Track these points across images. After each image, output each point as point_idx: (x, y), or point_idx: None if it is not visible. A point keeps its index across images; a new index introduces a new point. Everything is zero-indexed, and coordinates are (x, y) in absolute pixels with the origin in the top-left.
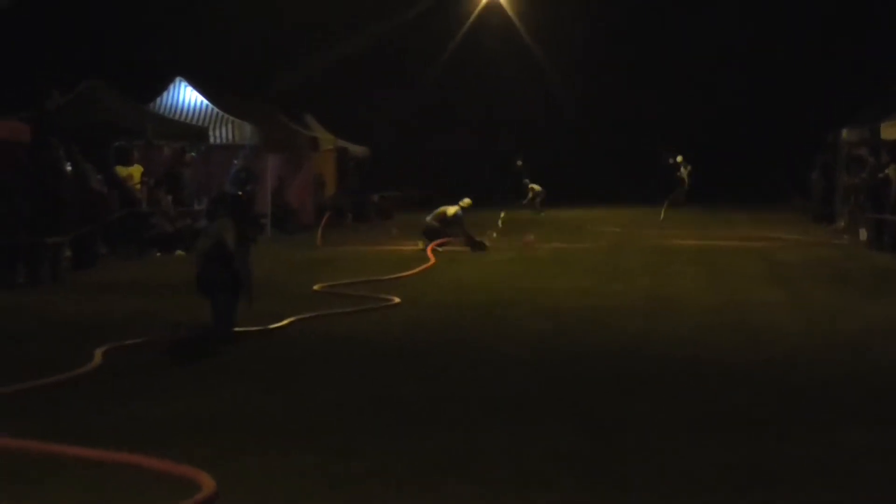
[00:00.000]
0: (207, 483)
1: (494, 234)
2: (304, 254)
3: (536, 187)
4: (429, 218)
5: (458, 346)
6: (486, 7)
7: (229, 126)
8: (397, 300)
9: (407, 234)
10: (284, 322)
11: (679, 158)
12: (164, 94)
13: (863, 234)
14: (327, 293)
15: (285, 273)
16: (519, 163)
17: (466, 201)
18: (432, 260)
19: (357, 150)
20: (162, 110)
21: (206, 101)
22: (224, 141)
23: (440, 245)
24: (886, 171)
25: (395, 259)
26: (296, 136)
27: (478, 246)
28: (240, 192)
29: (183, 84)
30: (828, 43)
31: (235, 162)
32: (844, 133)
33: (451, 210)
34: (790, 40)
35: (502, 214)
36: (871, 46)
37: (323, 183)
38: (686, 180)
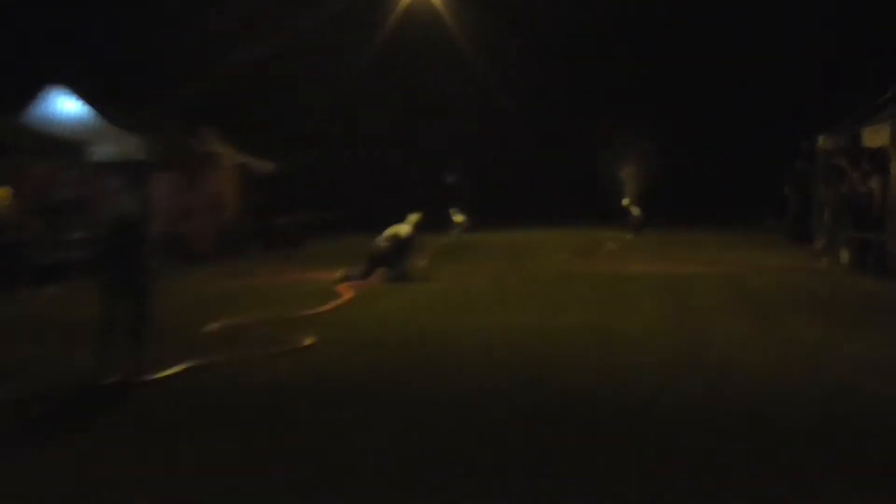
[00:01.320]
0: None
1: (422, 263)
2: (201, 287)
3: (460, 218)
4: (378, 241)
5: (379, 394)
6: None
7: (114, 140)
8: (310, 341)
9: (321, 261)
10: (173, 370)
11: (625, 202)
12: (37, 103)
13: (844, 256)
14: (225, 334)
15: (177, 310)
16: (450, 179)
17: (415, 217)
18: (349, 294)
19: (262, 166)
20: (34, 122)
21: (87, 112)
22: (108, 157)
23: (361, 278)
24: (869, 183)
25: (307, 292)
26: (193, 151)
27: (401, 275)
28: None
29: (60, 92)
30: (801, 42)
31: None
32: (821, 140)
33: (404, 230)
34: (757, 38)
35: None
36: (849, 45)
37: (223, 204)
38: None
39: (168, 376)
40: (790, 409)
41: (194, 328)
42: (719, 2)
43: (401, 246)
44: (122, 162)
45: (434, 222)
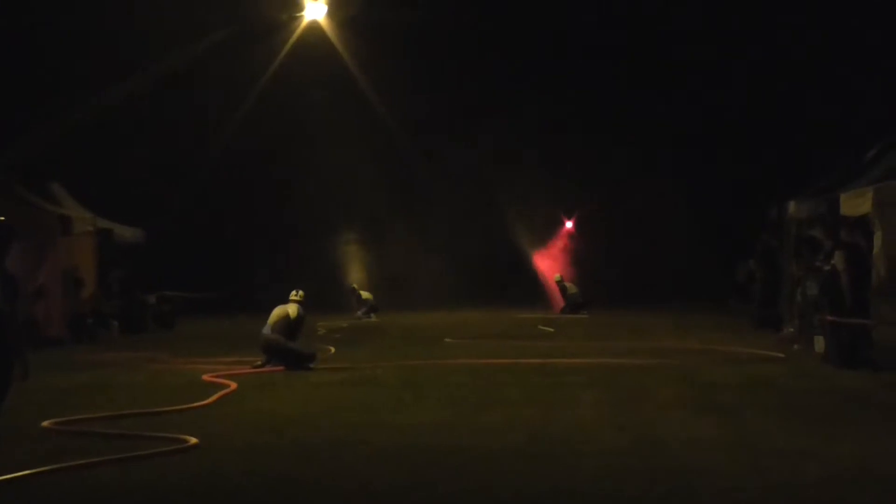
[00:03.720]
0: None
1: (332, 350)
2: (53, 379)
3: (367, 295)
4: (266, 329)
5: None
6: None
7: None
8: (193, 441)
9: (196, 346)
10: (18, 475)
11: (557, 278)
12: None
13: (818, 344)
14: (80, 433)
15: (25, 405)
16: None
17: (300, 294)
18: (231, 385)
19: (126, 232)
20: None
21: None
22: None
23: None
24: (833, 260)
25: (181, 384)
26: (38, 215)
27: (305, 359)
28: None
29: None
30: (768, 94)
31: None
32: (792, 207)
33: (293, 310)
34: (716, 85)
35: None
36: (823, 98)
37: (79, 279)
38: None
39: (18, 478)
40: None
41: (35, 426)
42: (675, 36)
43: (292, 328)
44: None
45: (329, 300)
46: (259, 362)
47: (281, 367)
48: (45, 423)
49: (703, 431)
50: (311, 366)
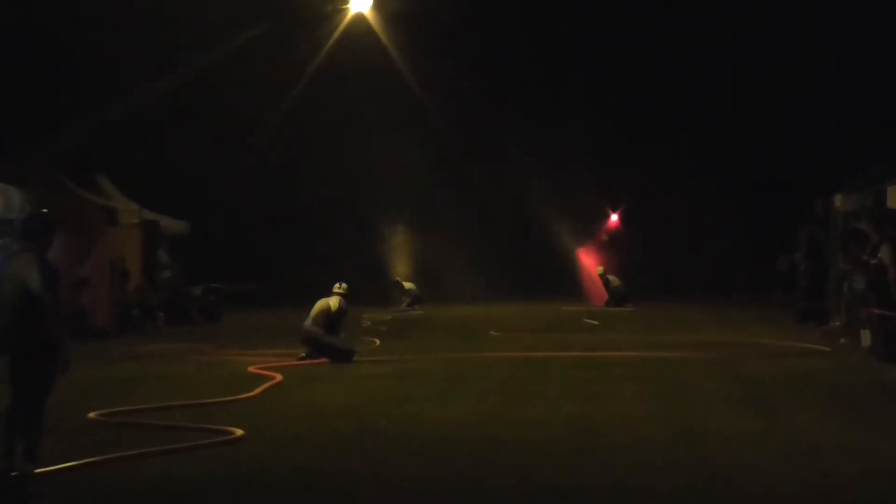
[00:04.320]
0: None
1: (376, 342)
2: (99, 370)
3: (410, 285)
4: (308, 322)
5: (314, 500)
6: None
7: None
8: (239, 433)
9: (241, 339)
10: (64, 465)
11: (600, 271)
12: None
13: (865, 338)
14: (126, 424)
15: (71, 397)
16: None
17: (343, 286)
18: (276, 377)
19: (172, 225)
20: None
21: None
22: None
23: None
24: (879, 254)
25: (226, 376)
26: (84, 206)
27: (344, 356)
28: None
29: None
30: (813, 84)
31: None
32: (838, 200)
33: (335, 303)
34: (759, 77)
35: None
36: (869, 89)
37: (125, 271)
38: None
39: (63, 470)
40: None
41: (81, 418)
42: (713, 35)
43: (333, 321)
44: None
45: (374, 294)
46: (302, 354)
47: (325, 360)
48: (90, 415)
49: (745, 426)
50: (353, 360)
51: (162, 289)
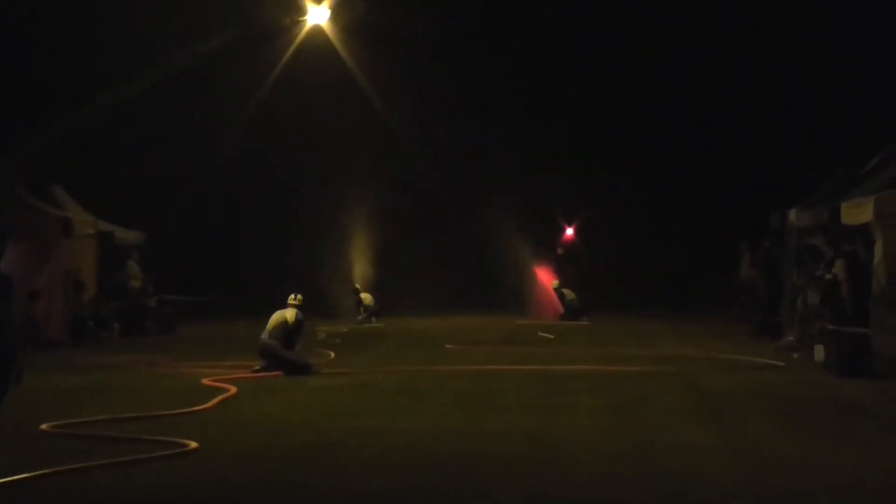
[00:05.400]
0: None
1: (331, 355)
2: (52, 380)
3: (367, 298)
4: (265, 335)
5: None
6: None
7: None
8: (193, 445)
9: (196, 350)
10: (16, 478)
11: (555, 284)
12: None
13: (818, 353)
14: (79, 436)
15: (24, 408)
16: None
17: (298, 297)
18: (231, 389)
19: (128, 235)
20: None
21: None
22: None
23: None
24: (833, 269)
25: (181, 387)
26: (39, 217)
27: (300, 369)
28: None
29: None
30: (770, 102)
31: None
32: (793, 215)
33: (291, 315)
34: (718, 93)
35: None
36: (825, 106)
37: (80, 282)
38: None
39: (14, 482)
40: None
41: (33, 429)
42: (669, 45)
43: (290, 333)
44: None
45: (330, 304)
46: (257, 367)
47: (279, 373)
48: (43, 426)
49: (702, 439)
50: (310, 373)
51: (134, 297)
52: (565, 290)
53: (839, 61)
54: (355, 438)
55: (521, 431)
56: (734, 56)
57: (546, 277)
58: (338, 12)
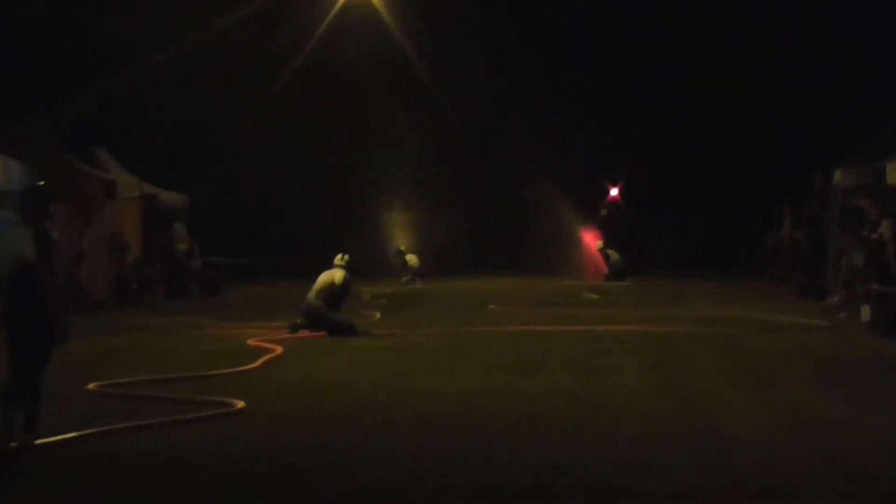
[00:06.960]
0: None
1: (377, 315)
2: (97, 342)
3: (412, 259)
4: (311, 295)
5: (312, 472)
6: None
7: None
8: (240, 405)
9: (241, 312)
10: (64, 437)
11: (599, 245)
12: None
13: (864, 313)
14: (125, 396)
15: (70, 368)
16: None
17: (345, 258)
18: (277, 349)
19: (171, 198)
20: None
21: None
22: None
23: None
24: (880, 229)
25: (226, 348)
26: (83, 179)
27: (345, 331)
28: None
29: None
30: (811, 60)
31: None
32: (837, 176)
33: (339, 276)
34: (758, 53)
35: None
36: (868, 63)
37: (124, 244)
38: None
39: (62, 441)
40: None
41: (79, 389)
42: (709, 11)
43: (337, 294)
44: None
45: (375, 266)
46: (297, 321)
47: (324, 333)
48: (89, 386)
49: (744, 400)
50: (354, 335)
51: (180, 260)
52: (609, 251)
53: (890, 16)
54: (398, 399)
55: (563, 392)
56: (780, 14)
57: (590, 239)
58: None
